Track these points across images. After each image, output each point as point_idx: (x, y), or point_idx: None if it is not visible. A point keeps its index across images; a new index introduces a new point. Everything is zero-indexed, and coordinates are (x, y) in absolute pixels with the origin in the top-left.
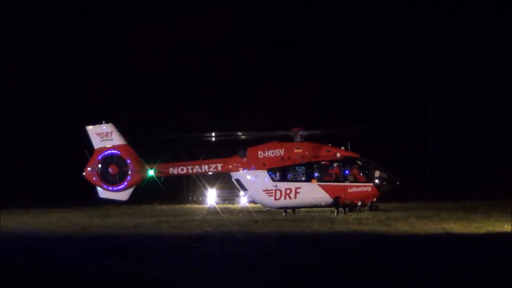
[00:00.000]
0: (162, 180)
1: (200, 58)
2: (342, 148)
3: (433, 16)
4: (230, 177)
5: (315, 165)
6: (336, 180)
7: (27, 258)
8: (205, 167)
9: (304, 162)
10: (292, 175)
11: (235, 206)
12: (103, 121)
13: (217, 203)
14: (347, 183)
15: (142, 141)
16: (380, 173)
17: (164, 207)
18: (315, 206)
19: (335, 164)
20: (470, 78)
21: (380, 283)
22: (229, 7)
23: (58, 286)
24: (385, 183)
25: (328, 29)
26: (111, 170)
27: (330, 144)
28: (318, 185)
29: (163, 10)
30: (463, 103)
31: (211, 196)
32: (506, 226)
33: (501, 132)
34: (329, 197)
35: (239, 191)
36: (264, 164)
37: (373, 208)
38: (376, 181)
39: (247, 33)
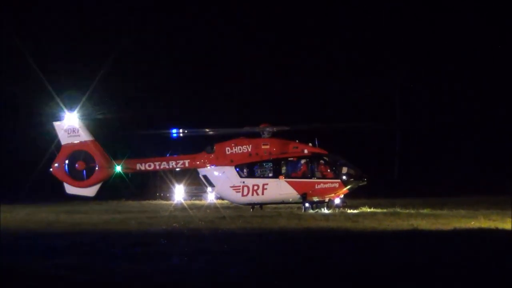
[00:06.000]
0: (130, 176)
1: (172, 53)
2: (310, 144)
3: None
4: (198, 173)
5: (283, 162)
6: (304, 176)
7: None
8: (172, 163)
9: (271, 158)
10: (260, 171)
11: (202, 202)
12: (71, 117)
13: (184, 200)
14: (315, 180)
15: (109, 137)
16: (348, 169)
17: (131, 203)
18: (283, 202)
19: (302, 161)
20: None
21: (348, 280)
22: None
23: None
24: (352, 179)
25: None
26: (78, 166)
27: (297, 141)
28: (286, 181)
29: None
30: (431, 100)
31: (179, 193)
32: (472, 223)
33: (468, 130)
34: (297, 193)
35: (207, 187)
36: (231, 160)
37: (340, 206)
38: (344, 177)
39: (222, 29)
